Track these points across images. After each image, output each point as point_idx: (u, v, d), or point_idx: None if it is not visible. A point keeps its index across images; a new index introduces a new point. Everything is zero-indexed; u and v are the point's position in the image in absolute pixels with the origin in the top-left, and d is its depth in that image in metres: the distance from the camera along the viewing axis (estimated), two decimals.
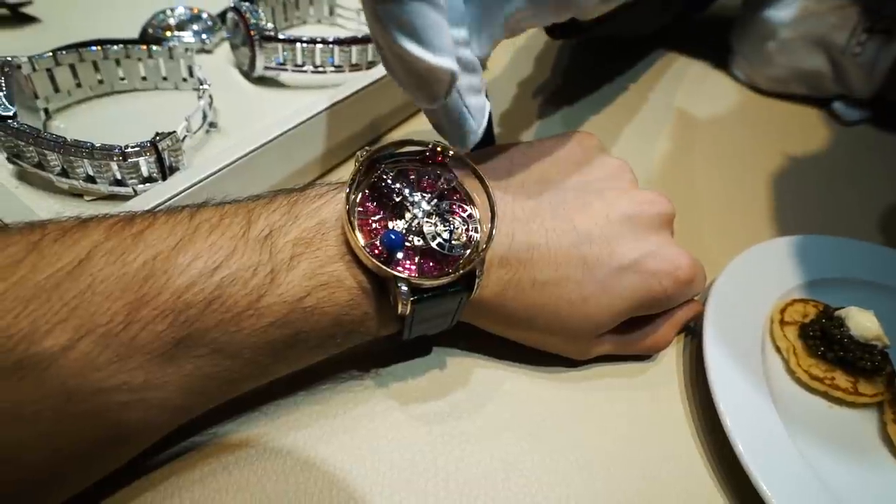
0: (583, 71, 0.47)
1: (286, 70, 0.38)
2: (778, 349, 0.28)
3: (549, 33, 0.38)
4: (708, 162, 0.40)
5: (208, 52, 0.42)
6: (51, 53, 0.33)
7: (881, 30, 0.43)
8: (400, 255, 0.20)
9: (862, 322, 0.26)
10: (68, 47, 0.35)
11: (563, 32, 0.38)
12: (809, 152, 0.43)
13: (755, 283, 0.30)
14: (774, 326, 0.28)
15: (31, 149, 0.28)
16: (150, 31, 0.41)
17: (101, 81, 0.36)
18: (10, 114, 0.28)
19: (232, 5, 0.38)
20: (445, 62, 0.19)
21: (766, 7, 0.46)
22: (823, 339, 0.27)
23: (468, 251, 0.21)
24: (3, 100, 0.28)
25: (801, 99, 0.47)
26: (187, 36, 0.41)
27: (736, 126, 0.44)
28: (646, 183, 0.38)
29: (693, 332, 0.29)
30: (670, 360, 0.28)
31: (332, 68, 0.38)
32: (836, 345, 0.26)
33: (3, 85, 0.28)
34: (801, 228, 0.34)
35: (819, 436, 0.25)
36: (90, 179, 0.29)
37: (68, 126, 0.34)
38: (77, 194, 0.30)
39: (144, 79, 0.37)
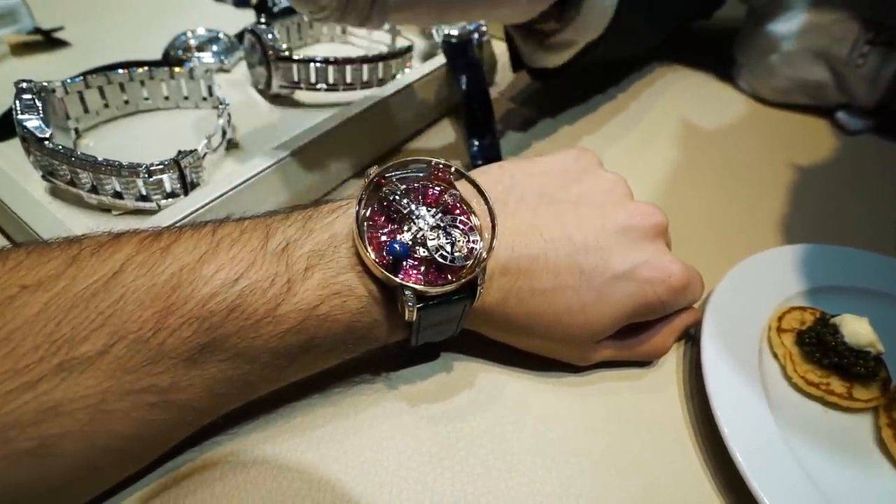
0: (585, 83, 0.48)
1: (301, 88, 0.40)
2: (775, 355, 0.29)
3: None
4: (712, 171, 0.41)
5: (226, 71, 0.44)
6: (81, 77, 0.35)
7: (883, 42, 0.43)
8: (406, 264, 0.22)
9: (856, 329, 0.27)
10: (97, 70, 0.37)
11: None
12: (813, 162, 0.43)
13: (754, 290, 0.31)
14: (772, 333, 0.29)
15: (64, 167, 0.30)
16: (172, 52, 0.43)
17: (126, 102, 0.38)
18: (47, 135, 0.30)
19: (249, 27, 0.39)
20: None
21: (770, 20, 0.47)
22: (819, 346, 0.28)
23: (470, 262, 0.22)
24: (41, 123, 0.30)
25: (804, 109, 0.48)
26: (207, 57, 0.43)
27: (740, 136, 0.45)
28: (650, 193, 0.39)
29: (692, 339, 0.30)
30: (669, 366, 0.29)
31: (345, 86, 0.40)
32: (832, 351, 0.27)
33: (41, 109, 0.30)
34: (804, 237, 0.35)
35: (815, 440, 0.26)
36: (118, 195, 0.31)
37: (96, 144, 0.36)
38: (105, 209, 0.32)
39: (167, 98, 0.39)
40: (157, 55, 0.43)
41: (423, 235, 0.22)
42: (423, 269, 0.22)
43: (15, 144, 0.32)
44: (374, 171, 0.23)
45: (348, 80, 0.39)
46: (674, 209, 0.28)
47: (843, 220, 0.38)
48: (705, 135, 0.45)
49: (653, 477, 0.24)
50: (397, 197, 0.23)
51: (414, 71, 0.40)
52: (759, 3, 0.48)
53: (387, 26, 0.46)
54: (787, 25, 0.46)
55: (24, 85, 0.32)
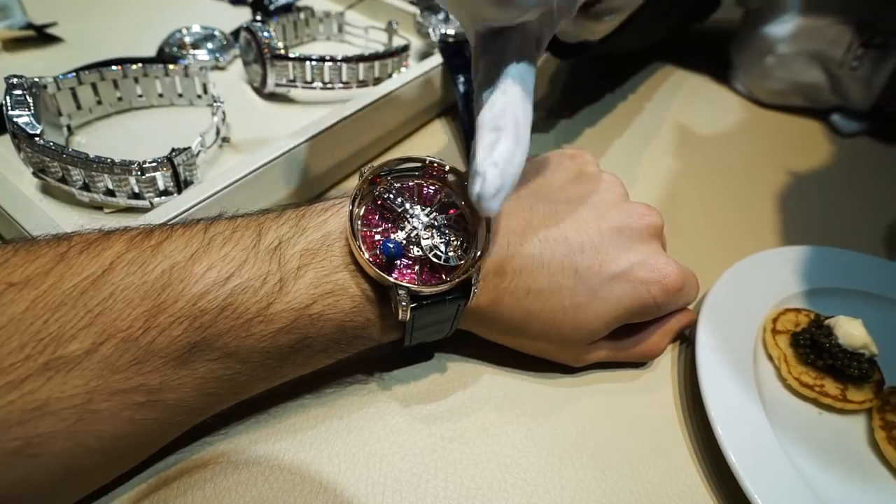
0: (582, 85, 0.48)
1: (296, 87, 0.39)
2: (770, 357, 0.29)
3: (556, 55, 0.40)
4: (707, 173, 0.41)
5: (221, 69, 0.44)
6: (74, 73, 0.34)
7: (877, 44, 0.44)
8: (400, 264, 0.22)
9: (850, 331, 0.27)
10: (90, 66, 0.37)
11: (570, 53, 0.39)
12: (808, 164, 0.44)
13: (749, 292, 0.31)
14: (766, 335, 0.29)
15: (55, 164, 0.29)
16: (167, 49, 0.43)
17: (120, 99, 0.37)
18: (38, 132, 0.29)
19: (245, 25, 0.39)
20: None
21: (765, 23, 0.47)
22: (813, 348, 0.28)
23: (464, 261, 0.22)
24: (31, 119, 0.30)
25: (800, 111, 0.48)
26: (202, 54, 0.43)
27: (735, 138, 0.45)
28: (646, 194, 0.39)
29: (687, 340, 0.30)
30: (664, 368, 0.29)
31: (340, 85, 0.40)
32: (826, 353, 0.27)
33: (32, 105, 0.30)
34: (800, 239, 0.35)
35: (808, 441, 0.26)
36: (110, 193, 0.30)
37: (89, 141, 0.36)
38: (97, 207, 0.31)
39: (161, 96, 0.39)
40: (151, 52, 0.43)
41: (417, 234, 0.22)
42: (416, 268, 0.22)
43: (5, 141, 0.32)
44: (368, 169, 0.23)
45: (344, 78, 0.39)
46: (669, 210, 0.28)
47: (838, 222, 0.38)
48: (701, 136, 0.45)
49: (646, 478, 0.24)
50: (391, 196, 0.23)
51: (410, 70, 0.40)
52: (755, 5, 0.48)
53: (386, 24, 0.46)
54: (782, 28, 0.46)
55: (15, 80, 0.31)
